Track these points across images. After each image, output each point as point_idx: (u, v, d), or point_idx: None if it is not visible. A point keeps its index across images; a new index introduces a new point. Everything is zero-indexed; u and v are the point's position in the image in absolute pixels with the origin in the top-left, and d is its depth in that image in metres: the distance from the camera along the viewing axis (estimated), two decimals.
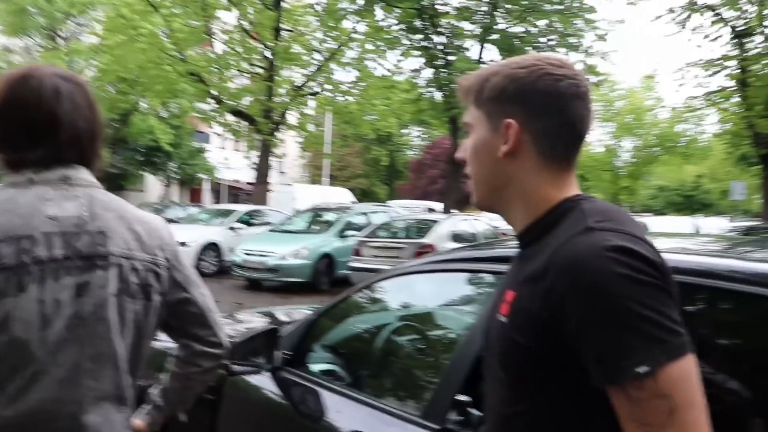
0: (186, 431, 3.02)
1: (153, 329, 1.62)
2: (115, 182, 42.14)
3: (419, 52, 20.27)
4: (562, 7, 18.97)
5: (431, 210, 24.70)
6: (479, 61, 19.47)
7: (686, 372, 1.00)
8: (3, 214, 1.41)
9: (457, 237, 12.48)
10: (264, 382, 2.61)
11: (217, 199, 45.88)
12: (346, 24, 21.42)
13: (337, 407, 2.32)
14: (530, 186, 1.23)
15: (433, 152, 46.65)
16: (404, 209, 20.77)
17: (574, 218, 1.16)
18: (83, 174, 1.54)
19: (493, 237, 13.44)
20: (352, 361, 2.88)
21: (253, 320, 4.07)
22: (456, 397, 1.91)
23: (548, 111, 1.21)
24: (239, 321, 4.07)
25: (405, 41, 20.48)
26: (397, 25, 20.25)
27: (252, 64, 21.55)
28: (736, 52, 18.76)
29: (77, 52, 31.07)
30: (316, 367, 2.69)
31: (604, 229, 1.10)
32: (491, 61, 19.79)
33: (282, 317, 4.05)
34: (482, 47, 19.74)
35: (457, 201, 24.12)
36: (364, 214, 15.71)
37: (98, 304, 1.47)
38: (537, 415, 1.15)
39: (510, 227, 1.32)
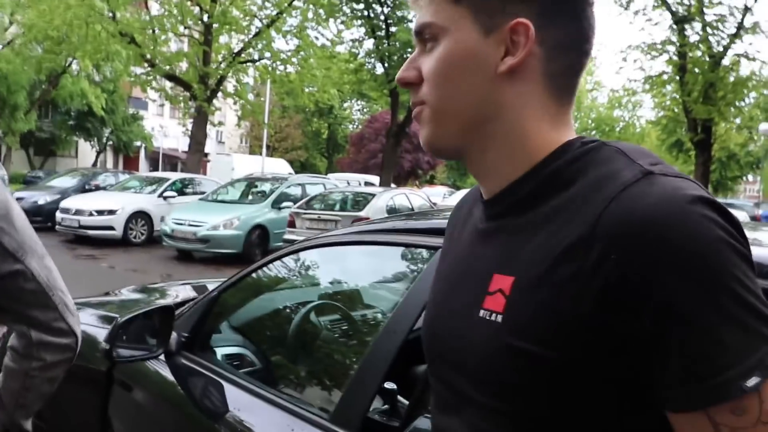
0: (72, 417, 2.69)
1: None
2: (46, 147, 40.83)
3: (361, 22, 19.83)
4: None
5: (368, 184, 24.43)
6: None
7: None
8: None
9: (393, 211, 12.27)
10: (158, 368, 2.26)
11: (155, 168, 44.87)
12: None
13: (241, 403, 1.97)
14: (527, 122, 0.86)
15: (373, 126, 46.36)
16: (341, 182, 20.41)
17: (609, 163, 0.79)
18: None
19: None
20: (263, 344, 2.57)
21: (179, 293, 3.72)
22: (383, 386, 1.63)
23: (567, 14, 0.85)
24: (166, 294, 3.72)
25: (346, 10, 20.01)
26: None
27: (188, 28, 20.81)
28: (675, 38, 18.91)
29: None
30: (220, 351, 2.37)
31: (667, 174, 0.75)
32: None
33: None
34: None
35: (395, 176, 23.91)
36: (300, 185, 15.30)
37: None
38: None
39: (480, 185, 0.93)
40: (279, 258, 2.33)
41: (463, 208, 1.04)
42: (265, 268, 2.38)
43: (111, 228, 14.44)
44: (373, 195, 12.54)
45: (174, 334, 2.21)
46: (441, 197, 28.04)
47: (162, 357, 2.22)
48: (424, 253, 2.06)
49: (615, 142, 0.84)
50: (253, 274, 2.36)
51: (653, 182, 0.73)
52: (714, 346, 0.67)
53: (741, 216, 14.07)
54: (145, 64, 20.66)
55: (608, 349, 0.72)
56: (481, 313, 0.82)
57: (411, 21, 19.67)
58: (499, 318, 0.79)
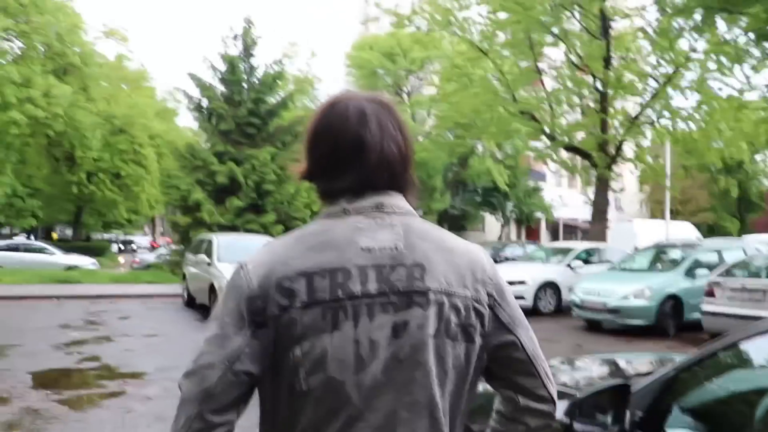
0: None
1: (475, 377, 1.41)
2: (457, 222, 44.65)
3: None
4: None
5: None
6: None
7: None
8: (318, 246, 1.33)
9: None
10: None
11: (554, 237, 45.93)
12: (683, 43, 19.90)
13: None
14: None
15: None
16: (762, 245, 18.32)
17: None
18: (398, 201, 1.40)
19: None
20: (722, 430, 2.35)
21: (593, 367, 3.71)
22: None
23: None
24: (578, 368, 3.75)
25: (755, 52, 18.16)
26: (744, 35, 18.11)
27: (583, 98, 21.17)
28: None
29: (419, 104, 33.78)
30: None
31: None
32: None
33: (625, 366, 3.62)
34: None
35: None
36: (716, 251, 14.16)
37: (416, 347, 1.30)
38: None
39: None
40: (744, 338, 2.14)
41: None
42: (727, 350, 2.21)
43: (521, 297, 15.02)
44: None
45: (627, 413, 2.16)
46: None
47: None
48: None
49: None
50: (714, 357, 2.20)
51: None
52: None
53: None
54: (544, 138, 21.45)
55: None
56: None
57: None
58: None
